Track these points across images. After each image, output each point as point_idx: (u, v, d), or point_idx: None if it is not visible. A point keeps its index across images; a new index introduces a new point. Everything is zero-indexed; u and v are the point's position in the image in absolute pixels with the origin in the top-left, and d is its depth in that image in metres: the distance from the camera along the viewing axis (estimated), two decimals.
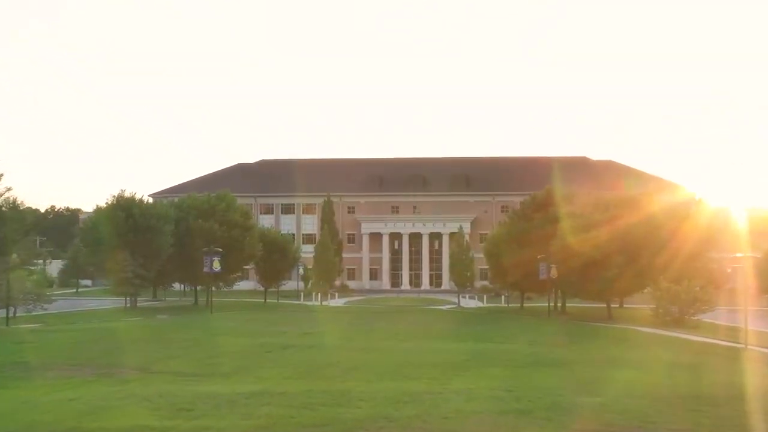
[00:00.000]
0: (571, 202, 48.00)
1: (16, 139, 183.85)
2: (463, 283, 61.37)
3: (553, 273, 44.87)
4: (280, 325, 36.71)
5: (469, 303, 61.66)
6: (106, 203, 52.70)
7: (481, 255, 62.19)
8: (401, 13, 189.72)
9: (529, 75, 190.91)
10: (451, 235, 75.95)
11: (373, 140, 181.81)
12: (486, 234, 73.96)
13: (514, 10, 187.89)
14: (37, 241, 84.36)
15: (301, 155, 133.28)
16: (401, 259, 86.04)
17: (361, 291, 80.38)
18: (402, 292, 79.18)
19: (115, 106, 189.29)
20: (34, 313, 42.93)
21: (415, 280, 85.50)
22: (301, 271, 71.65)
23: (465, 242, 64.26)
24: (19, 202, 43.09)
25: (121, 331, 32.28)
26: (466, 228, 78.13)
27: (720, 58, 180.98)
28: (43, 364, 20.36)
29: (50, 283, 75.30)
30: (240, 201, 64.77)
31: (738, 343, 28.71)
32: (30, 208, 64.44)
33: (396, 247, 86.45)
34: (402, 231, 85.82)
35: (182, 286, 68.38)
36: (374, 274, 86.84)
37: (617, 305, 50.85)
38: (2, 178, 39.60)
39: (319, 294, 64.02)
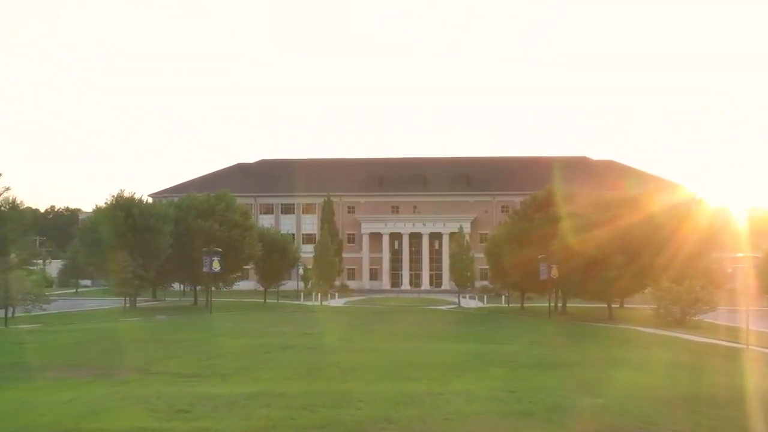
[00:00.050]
0: (572, 202, 47.90)
1: (16, 139, 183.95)
2: (463, 283, 61.27)
3: (554, 273, 44.76)
4: (280, 326, 36.63)
5: (470, 303, 61.56)
6: (106, 203, 52.57)
7: (482, 255, 62.09)
8: (401, 13, 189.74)
9: (529, 75, 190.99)
10: (452, 235, 75.85)
11: (373, 140, 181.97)
12: (486, 234, 73.90)
13: (514, 10, 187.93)
14: (37, 241, 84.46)
15: (301, 155, 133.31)
16: (401, 259, 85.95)
17: (361, 291, 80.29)
18: (402, 292, 79.11)
19: (115, 106, 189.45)
20: (32, 314, 42.78)
21: (415, 280, 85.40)
22: (301, 271, 71.55)
23: (465, 242, 64.14)
24: (18, 202, 43.12)
25: (120, 332, 32.19)
26: (467, 228, 78.06)
27: (720, 58, 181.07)
28: (42, 365, 20.26)
29: (49, 283, 75.25)
30: (240, 201, 64.69)
31: (739, 343, 28.62)
32: (29, 208, 64.47)
33: (396, 247, 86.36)
34: (402, 231, 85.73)
35: (182, 286, 68.30)
36: (374, 274, 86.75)
37: (618, 305, 50.74)
38: (0, 177, 39.57)
39: (319, 294, 63.93)
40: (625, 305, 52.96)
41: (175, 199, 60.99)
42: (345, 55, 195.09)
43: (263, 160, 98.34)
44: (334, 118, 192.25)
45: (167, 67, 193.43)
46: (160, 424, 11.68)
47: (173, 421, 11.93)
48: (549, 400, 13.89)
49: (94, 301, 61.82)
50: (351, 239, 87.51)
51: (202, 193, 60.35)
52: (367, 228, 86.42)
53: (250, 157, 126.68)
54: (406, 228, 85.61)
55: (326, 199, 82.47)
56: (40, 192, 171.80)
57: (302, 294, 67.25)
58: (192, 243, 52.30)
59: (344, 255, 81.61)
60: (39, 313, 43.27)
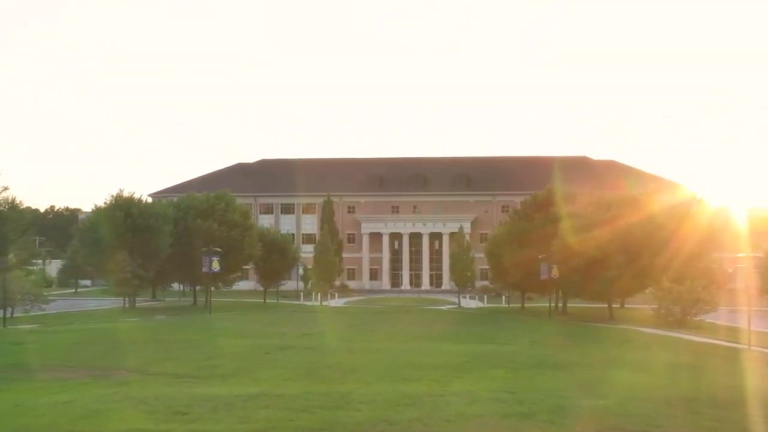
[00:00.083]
0: (572, 202, 47.85)
1: (16, 139, 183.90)
2: (463, 283, 61.18)
3: (554, 273, 44.67)
4: (280, 326, 36.53)
5: (470, 303, 61.47)
6: (105, 203, 52.49)
7: (482, 255, 62.02)
8: (401, 13, 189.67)
9: (529, 75, 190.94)
10: (452, 234, 75.77)
11: (373, 140, 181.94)
12: (486, 234, 73.83)
13: (514, 10, 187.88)
14: (36, 241, 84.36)
15: (301, 155, 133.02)
16: (401, 259, 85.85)
17: (361, 291, 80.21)
18: (402, 292, 79.03)
19: (115, 106, 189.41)
20: (31, 314, 42.70)
21: (416, 280, 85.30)
22: (300, 271, 71.45)
23: (465, 242, 64.06)
24: (17, 202, 43.09)
25: (119, 332, 32.10)
26: (467, 228, 77.98)
27: (720, 58, 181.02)
28: (40, 366, 20.17)
29: (49, 283, 75.22)
30: (240, 201, 64.61)
31: (740, 344, 28.54)
32: (29, 207, 64.43)
33: (396, 247, 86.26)
34: (402, 231, 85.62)
35: (181, 286, 68.21)
36: (374, 274, 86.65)
37: (618, 305, 50.66)
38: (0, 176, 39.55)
39: (319, 294, 63.85)
40: (625, 305, 52.88)
41: (175, 199, 60.88)
42: (345, 55, 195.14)
43: (263, 160, 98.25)
44: (334, 118, 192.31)
45: (167, 67, 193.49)
46: (158, 426, 11.57)
47: (171, 422, 11.83)
48: (550, 401, 13.79)
49: (93, 301, 61.75)
50: (351, 239, 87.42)
51: (201, 193, 60.26)
52: (367, 228, 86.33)
53: (250, 157, 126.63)
54: (406, 228, 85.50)
55: (326, 199, 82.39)
56: (40, 192, 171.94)
57: (302, 294, 67.16)
58: (191, 243, 52.22)
59: (344, 255, 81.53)
60: (38, 313, 43.21)
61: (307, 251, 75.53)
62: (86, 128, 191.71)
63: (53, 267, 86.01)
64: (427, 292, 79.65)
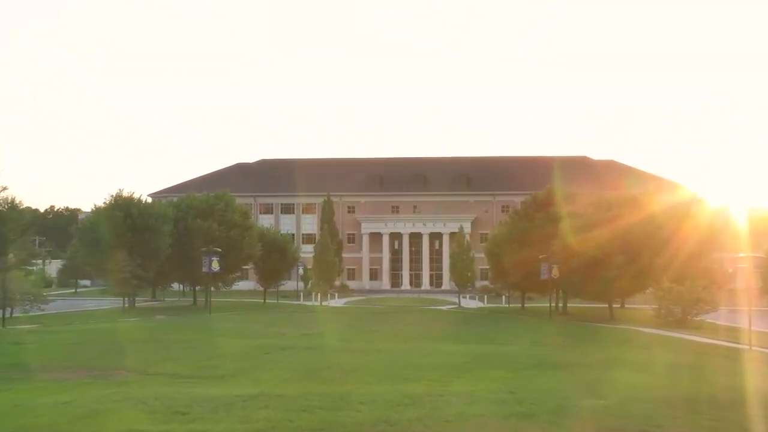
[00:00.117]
0: (572, 202, 47.83)
1: (16, 139, 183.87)
2: (463, 283, 61.15)
3: (555, 273, 44.63)
4: (279, 326, 36.47)
5: (470, 303, 61.44)
6: (105, 203, 52.44)
7: (482, 255, 61.98)
8: (401, 13, 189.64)
9: (529, 75, 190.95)
10: (452, 234, 75.74)
11: (373, 140, 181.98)
12: (486, 234, 73.79)
13: (514, 10, 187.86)
14: (36, 241, 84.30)
15: (301, 155, 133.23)
16: (401, 259, 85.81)
17: (361, 291, 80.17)
18: (402, 292, 78.99)
19: (115, 106, 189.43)
20: (31, 314, 42.64)
21: (416, 281, 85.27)
22: (300, 271, 71.41)
23: (465, 242, 64.02)
24: (17, 202, 43.06)
25: (119, 332, 32.05)
26: (467, 228, 77.95)
27: (720, 58, 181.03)
28: (39, 366, 20.12)
29: (49, 284, 75.20)
30: (240, 201, 64.57)
31: (740, 344, 28.49)
32: (29, 207, 64.40)
33: (396, 247, 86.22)
34: (402, 231, 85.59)
35: (181, 286, 68.17)
36: (374, 274, 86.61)
37: (619, 306, 50.63)
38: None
39: (319, 294, 63.80)
40: (625, 305, 52.86)
41: (175, 199, 60.84)
42: (345, 55, 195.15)
43: (263, 159, 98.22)
44: (334, 118, 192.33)
45: (167, 67, 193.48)
46: (157, 426, 11.54)
47: (171, 422, 11.80)
48: (550, 402, 13.75)
49: (93, 301, 61.72)
50: (351, 239, 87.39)
51: (201, 193, 60.22)
52: (367, 228, 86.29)
53: (250, 157, 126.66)
54: (406, 228, 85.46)
55: (326, 199, 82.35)
56: (39, 192, 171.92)
57: (302, 294, 67.11)
58: (191, 243, 52.17)
59: (344, 255, 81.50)
60: (37, 313, 43.15)
61: (307, 251, 75.50)
62: (86, 128, 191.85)
63: (53, 267, 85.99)
64: (427, 292, 79.61)
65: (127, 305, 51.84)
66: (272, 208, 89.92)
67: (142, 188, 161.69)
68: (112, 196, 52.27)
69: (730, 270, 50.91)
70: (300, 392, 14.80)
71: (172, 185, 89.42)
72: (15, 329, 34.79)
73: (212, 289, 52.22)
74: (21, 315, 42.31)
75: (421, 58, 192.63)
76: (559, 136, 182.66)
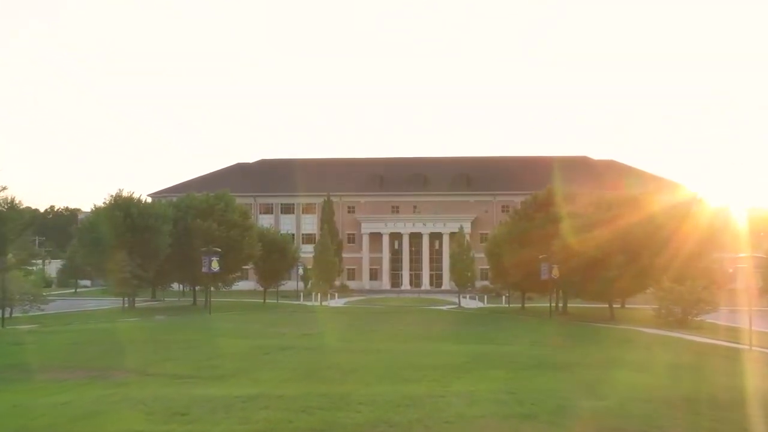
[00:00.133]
0: (572, 202, 47.78)
1: (16, 139, 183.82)
2: (463, 283, 61.12)
3: (555, 273, 44.59)
4: (279, 326, 36.42)
5: (470, 303, 61.41)
6: (104, 203, 52.39)
7: (482, 255, 61.94)
8: (401, 13, 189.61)
9: (529, 75, 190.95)
10: (452, 234, 75.71)
11: (373, 140, 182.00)
12: (487, 234, 73.76)
13: (514, 10, 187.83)
14: (36, 241, 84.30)
15: (301, 155, 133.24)
16: (401, 259, 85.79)
17: (361, 291, 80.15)
18: (402, 292, 78.97)
19: (115, 106, 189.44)
20: (30, 314, 42.60)
21: (416, 281, 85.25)
22: (300, 271, 71.40)
23: (465, 242, 63.98)
24: (17, 202, 43.00)
25: (119, 332, 32.00)
26: (467, 228, 77.94)
27: (720, 58, 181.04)
28: (38, 367, 20.07)
29: (48, 284, 75.17)
30: (239, 201, 64.52)
31: (741, 344, 28.45)
32: (29, 207, 64.38)
33: (396, 247, 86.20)
34: (402, 231, 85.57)
35: (181, 286, 68.13)
36: (374, 274, 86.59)
37: (619, 306, 50.59)
38: None
39: (319, 294, 63.77)
40: (626, 305, 52.80)
41: (175, 199, 60.80)
42: (345, 55, 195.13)
43: (263, 159, 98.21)
44: (334, 118, 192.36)
45: (167, 67, 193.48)
46: (156, 427, 11.52)
47: (170, 423, 11.77)
48: (551, 402, 13.73)
49: (92, 301, 61.69)
50: (351, 239, 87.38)
51: (201, 193, 60.17)
52: (367, 228, 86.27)
53: (250, 157, 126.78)
54: (406, 228, 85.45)
55: (326, 199, 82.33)
56: (39, 192, 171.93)
57: (302, 294, 67.09)
58: (191, 243, 52.12)
59: (344, 255, 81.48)
60: (37, 313, 43.09)
61: (307, 251, 75.48)
62: (86, 128, 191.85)
63: (53, 267, 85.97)
64: (427, 292, 79.59)
65: (126, 305, 51.80)
66: (272, 208, 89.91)
67: (142, 188, 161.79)
68: (111, 196, 52.24)
69: (731, 270, 50.96)
70: (300, 393, 14.77)
71: (172, 185, 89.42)
72: (14, 329, 34.74)
73: (212, 289, 52.17)
74: (21, 315, 42.25)
75: (421, 58, 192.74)
76: (559, 136, 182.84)
